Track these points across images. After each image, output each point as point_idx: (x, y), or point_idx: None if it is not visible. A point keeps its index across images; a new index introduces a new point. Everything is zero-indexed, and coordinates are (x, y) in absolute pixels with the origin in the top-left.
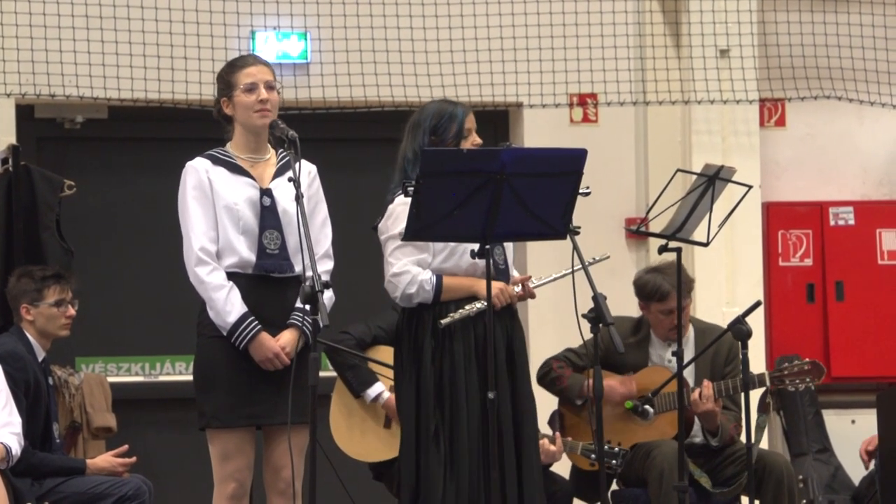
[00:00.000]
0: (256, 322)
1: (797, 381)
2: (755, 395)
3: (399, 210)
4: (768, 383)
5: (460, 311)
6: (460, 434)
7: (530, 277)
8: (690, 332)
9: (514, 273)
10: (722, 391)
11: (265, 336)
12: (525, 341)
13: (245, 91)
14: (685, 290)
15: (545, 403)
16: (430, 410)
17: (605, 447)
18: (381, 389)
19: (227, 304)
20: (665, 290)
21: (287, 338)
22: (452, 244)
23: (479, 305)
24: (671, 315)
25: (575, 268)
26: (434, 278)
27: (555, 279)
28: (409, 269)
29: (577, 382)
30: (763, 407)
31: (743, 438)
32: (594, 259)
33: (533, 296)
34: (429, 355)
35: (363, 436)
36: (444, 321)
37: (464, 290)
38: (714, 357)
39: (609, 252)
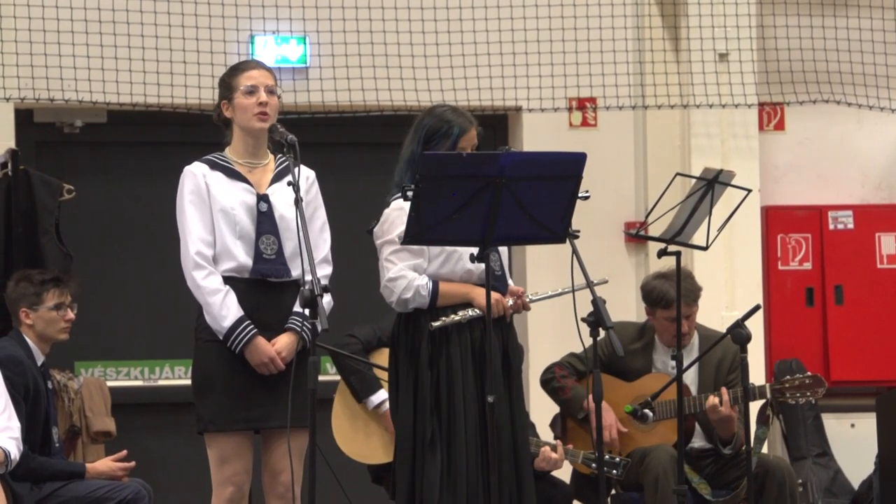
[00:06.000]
0: (252, 326)
1: (798, 395)
2: (755, 406)
3: (395, 215)
4: (769, 396)
5: (453, 316)
6: (458, 439)
7: (524, 292)
8: (695, 339)
9: (510, 281)
10: (730, 399)
11: (261, 340)
12: (521, 349)
13: (245, 94)
14: (692, 298)
15: (548, 406)
16: (427, 416)
17: (606, 456)
18: (384, 397)
19: (223, 309)
20: (671, 298)
21: (283, 342)
22: (449, 250)
23: (472, 313)
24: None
25: (573, 288)
26: (430, 284)
27: (552, 296)
28: (406, 273)
29: (578, 397)
30: (763, 419)
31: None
32: (593, 282)
33: (528, 308)
34: (426, 360)
35: (367, 438)
36: (435, 324)
37: (460, 296)
38: (719, 364)
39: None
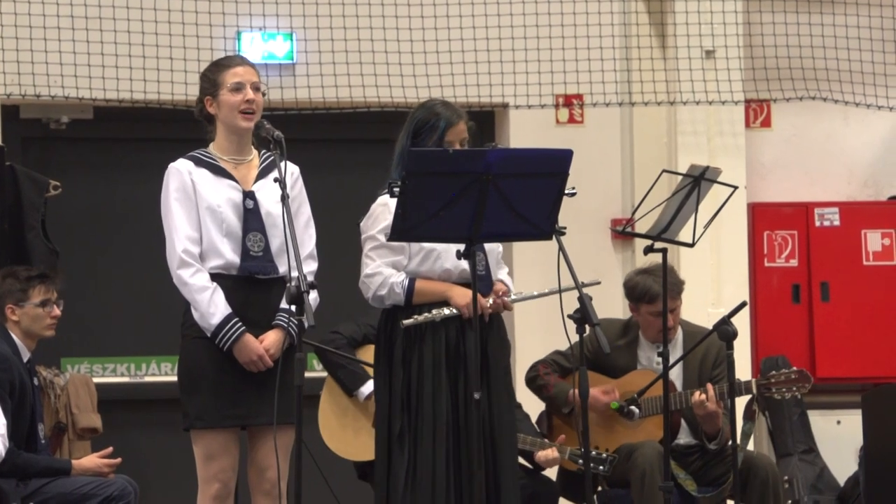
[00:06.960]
0: (240, 323)
1: (784, 390)
2: (741, 401)
3: (378, 210)
4: (755, 391)
5: (425, 314)
6: (423, 437)
7: (508, 291)
8: (679, 335)
9: (501, 277)
10: (716, 395)
11: (249, 337)
12: (507, 347)
13: (231, 90)
14: (675, 291)
15: (534, 405)
16: (397, 412)
17: (593, 452)
18: (373, 387)
19: (211, 306)
20: (655, 292)
21: (271, 339)
22: (427, 248)
23: (445, 311)
24: (661, 317)
25: (559, 287)
26: (406, 281)
27: (537, 296)
28: (382, 270)
29: (562, 391)
30: (749, 414)
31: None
32: (584, 283)
33: (509, 308)
34: (399, 357)
35: (356, 435)
36: (406, 322)
37: (436, 294)
38: (703, 360)
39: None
